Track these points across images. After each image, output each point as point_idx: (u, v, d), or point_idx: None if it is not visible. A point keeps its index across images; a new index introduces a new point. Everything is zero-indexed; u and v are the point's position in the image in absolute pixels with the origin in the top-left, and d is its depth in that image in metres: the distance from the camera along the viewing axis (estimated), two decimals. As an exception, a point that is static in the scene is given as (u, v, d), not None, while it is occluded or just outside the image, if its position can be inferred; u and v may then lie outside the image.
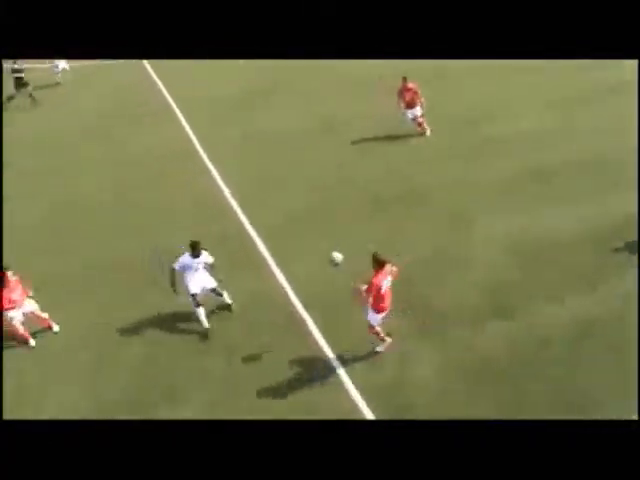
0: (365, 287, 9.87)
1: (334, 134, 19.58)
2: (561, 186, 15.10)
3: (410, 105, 18.74)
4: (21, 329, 11.76)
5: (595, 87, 21.43)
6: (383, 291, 9.98)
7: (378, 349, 10.64)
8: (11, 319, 11.62)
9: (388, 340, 10.59)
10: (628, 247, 12.44)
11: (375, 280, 9.86)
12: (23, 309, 11.75)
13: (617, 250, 12.42)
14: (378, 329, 10.47)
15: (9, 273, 11.49)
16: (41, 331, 12.10)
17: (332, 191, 15.91)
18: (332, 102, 22.49)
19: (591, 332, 10.34)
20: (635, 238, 12.54)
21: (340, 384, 9.96)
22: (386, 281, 10.00)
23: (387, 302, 10.18)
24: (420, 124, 18.97)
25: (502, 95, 21.81)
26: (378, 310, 10.19)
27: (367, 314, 10.33)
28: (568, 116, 19.33)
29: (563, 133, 18.18)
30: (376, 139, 18.85)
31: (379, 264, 9.87)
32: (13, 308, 11.58)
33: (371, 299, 10.03)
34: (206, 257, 11.56)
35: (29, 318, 11.84)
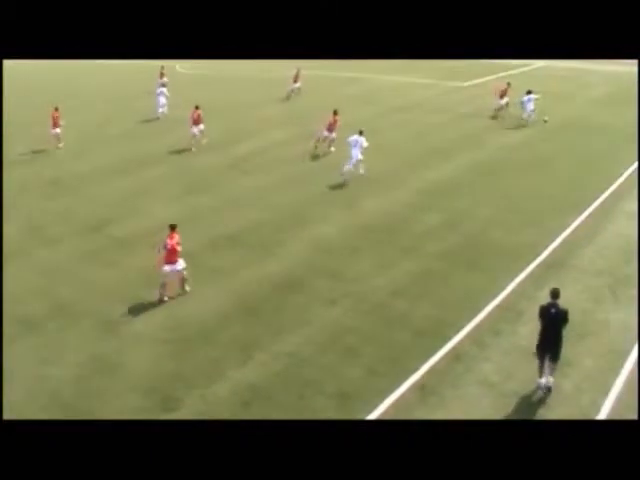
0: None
1: None
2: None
3: None
4: (166, 286, 12.63)
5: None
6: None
7: None
8: (166, 273, 12.55)
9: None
10: (273, 311, 12.73)
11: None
12: (178, 266, 12.67)
13: (264, 316, 12.59)
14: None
15: (176, 231, 12.64)
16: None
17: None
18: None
19: (254, 398, 10.18)
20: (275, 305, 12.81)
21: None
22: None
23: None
24: None
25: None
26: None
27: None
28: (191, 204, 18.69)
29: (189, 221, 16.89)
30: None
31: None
32: (174, 262, 12.51)
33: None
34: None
35: (176, 275, 12.72)
